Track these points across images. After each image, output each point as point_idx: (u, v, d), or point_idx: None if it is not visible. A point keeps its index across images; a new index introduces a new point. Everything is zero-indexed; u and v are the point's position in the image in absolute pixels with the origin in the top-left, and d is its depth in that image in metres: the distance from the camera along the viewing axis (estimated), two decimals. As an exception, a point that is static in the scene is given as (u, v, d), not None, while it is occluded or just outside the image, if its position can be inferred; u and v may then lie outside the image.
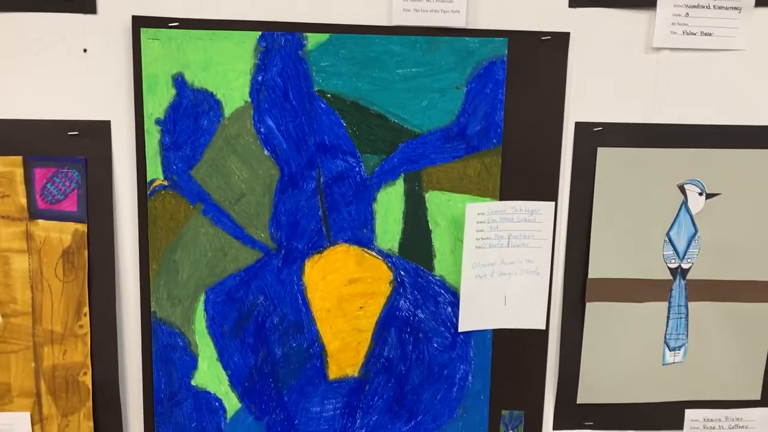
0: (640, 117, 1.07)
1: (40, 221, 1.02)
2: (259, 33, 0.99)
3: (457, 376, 1.13)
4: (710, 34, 1.05)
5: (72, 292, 1.04)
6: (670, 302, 1.13)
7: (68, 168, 1.01)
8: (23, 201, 1.01)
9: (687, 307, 1.14)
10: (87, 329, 1.05)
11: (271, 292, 1.07)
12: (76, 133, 1.01)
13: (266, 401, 1.11)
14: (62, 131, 1.00)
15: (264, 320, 1.08)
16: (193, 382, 1.09)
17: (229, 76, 1.00)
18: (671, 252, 1.11)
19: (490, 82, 1.03)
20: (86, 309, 1.04)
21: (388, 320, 1.10)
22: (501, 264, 1.09)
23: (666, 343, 1.15)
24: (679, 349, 1.15)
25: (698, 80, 1.07)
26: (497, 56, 1.03)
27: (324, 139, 1.03)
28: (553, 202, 1.08)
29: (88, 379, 1.06)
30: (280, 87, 1.01)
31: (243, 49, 1.00)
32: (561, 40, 1.04)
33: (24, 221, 1.02)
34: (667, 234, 1.11)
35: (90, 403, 1.07)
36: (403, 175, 1.06)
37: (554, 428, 1.18)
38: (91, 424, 1.07)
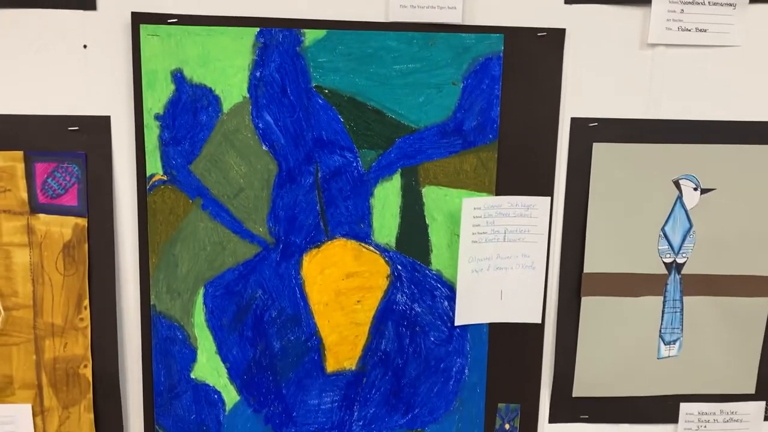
0: (635, 113, 1.08)
1: (41, 215, 1.03)
2: (257, 29, 1.00)
3: (454, 369, 1.14)
4: (705, 31, 1.05)
5: (72, 285, 1.05)
6: (665, 297, 1.14)
7: (68, 163, 1.02)
8: (24, 195, 1.02)
9: (682, 302, 1.14)
10: (87, 322, 1.06)
11: (270, 285, 1.08)
12: (77, 128, 1.02)
13: (265, 394, 1.12)
14: (63, 126, 1.01)
15: (262, 314, 1.09)
16: (192, 375, 1.10)
17: (228, 71, 1.01)
18: (666, 247, 1.12)
19: (486, 78, 1.04)
20: (86, 302, 1.05)
21: (386, 314, 1.11)
22: (497, 258, 1.10)
23: (661, 337, 1.15)
24: (674, 343, 1.16)
25: (693, 76, 1.08)
26: (493, 52, 1.03)
27: (321, 134, 1.04)
28: (549, 197, 1.09)
29: (88, 372, 1.07)
30: (278, 83, 1.02)
31: (241, 45, 1.00)
32: (557, 36, 1.04)
33: (25, 215, 1.03)
34: (662, 229, 1.12)
35: (90, 395, 1.08)
36: (400, 170, 1.06)
37: (550, 421, 1.19)
38: (92, 416, 1.08)
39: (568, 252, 1.12)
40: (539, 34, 1.04)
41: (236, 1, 1.00)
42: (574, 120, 1.08)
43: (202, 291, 1.08)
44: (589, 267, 1.11)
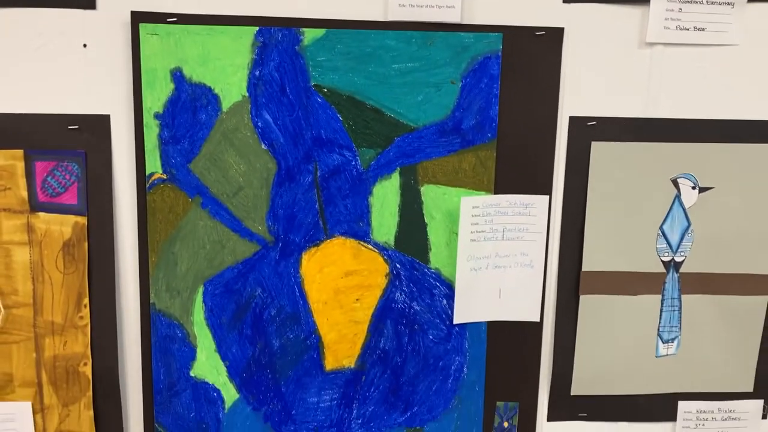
0: (633, 111, 1.08)
1: (41, 214, 1.03)
2: (257, 28, 1.00)
3: (453, 367, 1.14)
4: (703, 29, 1.06)
5: (72, 283, 1.05)
6: (663, 295, 1.14)
7: (68, 161, 1.02)
8: (24, 194, 1.02)
9: (680, 300, 1.15)
10: (87, 320, 1.06)
11: (269, 284, 1.09)
12: (76, 127, 1.02)
13: (264, 392, 1.12)
14: (62, 125, 1.02)
15: (262, 312, 1.10)
16: (191, 373, 1.10)
17: (227, 70, 1.01)
18: (664, 245, 1.13)
19: (484, 76, 1.04)
20: (86, 300, 1.06)
21: (384, 312, 1.11)
22: (496, 257, 1.11)
23: (659, 335, 1.16)
24: (672, 342, 1.16)
25: (691, 75, 1.08)
26: (492, 51, 1.04)
27: (320, 133, 1.05)
28: (548, 196, 1.09)
29: (88, 370, 1.08)
30: (277, 82, 1.02)
31: (240, 44, 1.01)
32: (555, 35, 1.04)
33: (25, 214, 1.03)
34: (661, 227, 1.12)
35: (90, 393, 1.08)
36: (398, 168, 1.07)
37: (548, 419, 1.19)
38: (91, 413, 1.09)
39: (566, 250, 1.12)
40: (538, 34, 1.04)
41: (235, 0, 1.00)
42: (572, 119, 1.08)
43: (201, 289, 1.08)
44: (587, 265, 1.12)
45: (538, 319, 1.14)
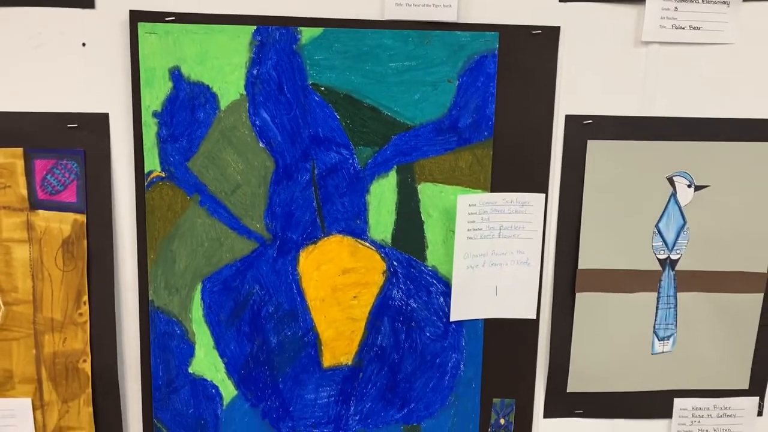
0: (629, 110, 1.09)
1: (41, 211, 1.04)
2: (254, 27, 1.01)
3: (449, 364, 1.15)
4: (699, 28, 1.06)
5: (72, 281, 1.06)
6: (659, 293, 1.15)
7: (67, 159, 1.03)
8: (24, 192, 1.03)
9: (676, 298, 1.15)
10: (86, 317, 1.07)
11: (267, 281, 1.09)
12: (75, 125, 1.03)
13: (262, 389, 1.13)
14: (62, 123, 1.02)
15: (259, 309, 1.10)
16: (190, 370, 1.11)
17: (225, 69, 1.02)
18: (660, 243, 1.13)
19: (481, 75, 1.05)
20: (86, 297, 1.07)
21: (382, 309, 1.12)
22: (492, 255, 1.11)
23: (655, 332, 1.16)
24: (668, 339, 1.17)
25: (687, 74, 1.08)
26: (488, 50, 1.04)
27: (318, 131, 1.05)
28: (544, 194, 1.10)
29: (87, 366, 1.08)
30: (274, 80, 1.03)
31: (238, 43, 1.01)
32: (551, 34, 1.05)
33: (25, 211, 1.04)
34: (656, 225, 1.12)
35: (89, 390, 1.09)
36: (395, 167, 1.07)
37: (545, 416, 1.20)
38: (91, 409, 1.09)
39: (562, 248, 1.13)
40: (534, 32, 1.05)
41: (233, -1, 1.01)
42: (568, 117, 1.08)
43: (199, 286, 1.09)
44: (583, 263, 1.12)
45: (534, 317, 1.14)
